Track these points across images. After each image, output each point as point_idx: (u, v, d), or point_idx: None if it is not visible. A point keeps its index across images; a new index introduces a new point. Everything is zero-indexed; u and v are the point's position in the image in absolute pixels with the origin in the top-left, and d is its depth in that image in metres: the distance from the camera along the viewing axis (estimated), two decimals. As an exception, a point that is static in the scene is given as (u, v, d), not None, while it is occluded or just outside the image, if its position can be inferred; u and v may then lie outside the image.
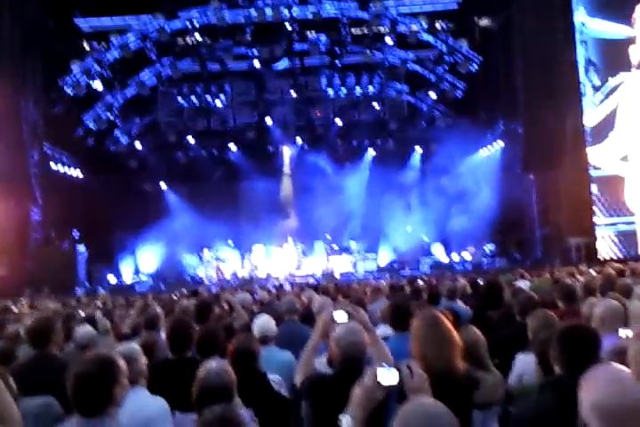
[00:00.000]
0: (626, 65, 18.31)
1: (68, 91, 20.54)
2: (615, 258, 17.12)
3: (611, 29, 18.43)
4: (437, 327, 3.25)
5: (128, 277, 22.24)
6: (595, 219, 18.20)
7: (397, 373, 2.22)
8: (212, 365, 3.23)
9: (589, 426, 1.76)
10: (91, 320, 5.85)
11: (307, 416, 3.65)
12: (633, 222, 18.07)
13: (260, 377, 3.81)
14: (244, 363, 3.76)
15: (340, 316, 3.44)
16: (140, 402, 3.14)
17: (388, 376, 2.23)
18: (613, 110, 18.23)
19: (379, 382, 2.23)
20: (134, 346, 3.53)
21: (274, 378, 3.86)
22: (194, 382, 3.10)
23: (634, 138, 17.90)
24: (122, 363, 2.66)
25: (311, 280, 18.09)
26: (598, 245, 18.09)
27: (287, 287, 13.32)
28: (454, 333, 3.29)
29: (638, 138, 17.88)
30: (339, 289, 9.24)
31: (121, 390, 2.59)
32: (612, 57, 18.44)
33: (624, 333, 3.12)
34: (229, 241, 22.05)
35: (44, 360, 4.25)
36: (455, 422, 1.80)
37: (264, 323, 4.76)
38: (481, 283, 7.95)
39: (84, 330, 5.25)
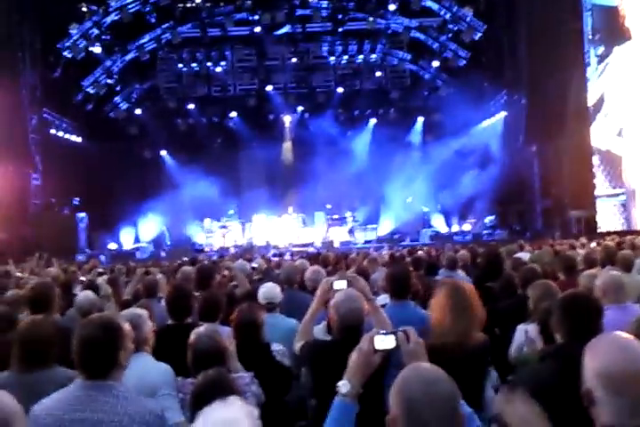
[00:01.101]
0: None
1: (67, 55, 20.28)
2: (615, 231, 17.13)
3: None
4: (459, 297, 3.30)
5: (128, 245, 22.30)
6: (596, 191, 18.17)
7: (394, 338, 2.23)
8: (201, 330, 3.25)
9: (593, 393, 1.75)
10: (92, 286, 5.87)
11: (306, 382, 3.68)
12: (630, 196, 18.04)
13: (262, 347, 3.83)
14: (248, 333, 3.78)
15: (340, 284, 3.45)
16: (145, 368, 3.16)
17: (383, 341, 2.24)
18: (608, 85, 18.03)
19: (375, 347, 2.24)
20: (140, 311, 3.54)
21: (277, 348, 3.88)
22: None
23: (627, 113, 17.72)
24: (127, 327, 2.67)
25: (311, 249, 18.14)
26: (598, 217, 18.10)
27: (287, 256, 13.37)
28: (476, 303, 3.33)
29: (632, 113, 17.70)
30: (338, 258, 9.26)
31: (125, 354, 2.60)
32: (619, 25, 18.12)
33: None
34: (230, 211, 22.05)
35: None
36: (453, 388, 1.80)
37: (270, 290, 4.76)
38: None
39: (85, 295, 5.26)
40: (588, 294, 3.22)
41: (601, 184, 18.19)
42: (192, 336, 3.22)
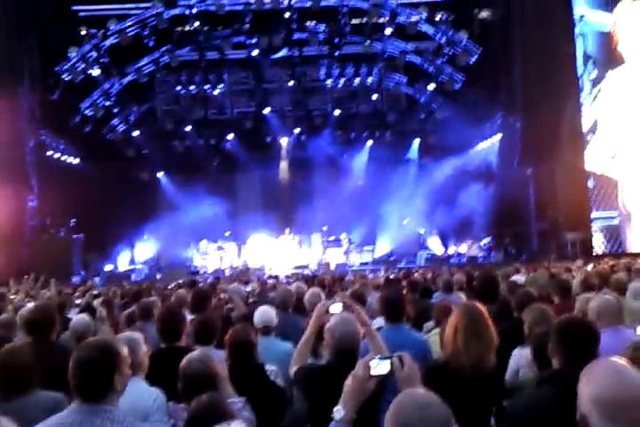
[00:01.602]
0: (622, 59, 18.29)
1: (66, 77, 20.43)
2: (610, 253, 17.18)
3: (609, 22, 18.37)
4: (476, 319, 3.31)
5: (124, 266, 22.21)
6: (591, 214, 18.27)
7: (389, 363, 2.23)
8: (193, 355, 3.24)
9: (588, 419, 1.75)
10: (89, 309, 5.84)
11: (301, 408, 3.66)
12: (625, 219, 18.11)
13: (256, 368, 3.81)
14: (242, 353, 3.77)
15: (335, 307, 3.45)
16: (138, 393, 3.13)
17: (378, 367, 2.24)
18: (603, 109, 18.22)
19: (370, 373, 2.24)
20: (135, 335, 3.52)
21: (270, 369, 3.86)
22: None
23: (622, 136, 17.88)
24: (125, 351, 2.66)
25: (306, 272, 18.10)
26: (594, 240, 18.16)
27: (282, 279, 13.33)
28: (491, 325, 3.33)
29: (626, 136, 17.86)
30: (334, 281, 9.25)
31: (122, 379, 2.59)
32: (611, 50, 18.38)
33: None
34: (227, 232, 22.03)
35: (40, 348, 4.25)
36: (446, 412, 1.80)
37: (265, 313, 4.74)
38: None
39: (80, 318, 5.23)
40: (585, 318, 3.23)
41: (596, 207, 18.28)
42: (183, 361, 3.20)
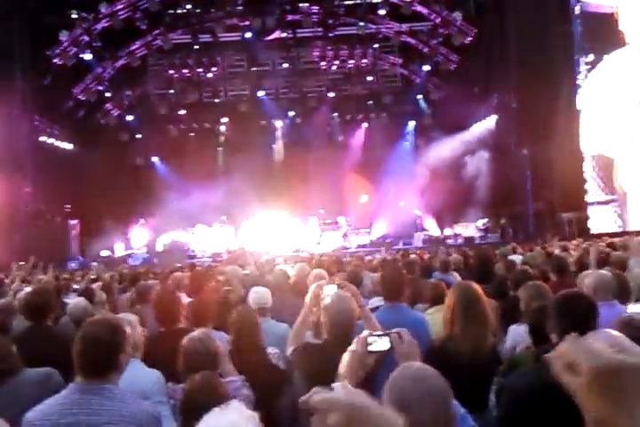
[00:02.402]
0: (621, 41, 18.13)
1: (57, 62, 20.24)
2: (607, 233, 17.20)
3: (606, 4, 18.20)
4: (473, 303, 3.30)
5: (120, 251, 22.21)
6: (587, 196, 18.29)
7: (388, 339, 2.24)
8: (194, 334, 3.25)
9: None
10: (87, 293, 5.84)
11: (299, 386, 3.68)
12: (622, 198, 18.13)
13: (260, 350, 3.82)
14: (247, 335, 3.77)
15: (331, 288, 3.46)
16: (136, 375, 3.14)
17: (377, 343, 2.24)
18: (600, 90, 18.12)
19: (368, 349, 2.24)
20: (131, 317, 3.53)
21: (273, 351, 3.87)
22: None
23: (619, 117, 17.82)
24: (128, 330, 2.66)
25: (303, 254, 18.10)
26: (590, 220, 18.20)
27: (279, 261, 13.31)
28: (487, 309, 3.33)
29: (623, 117, 17.80)
30: (332, 263, 9.25)
31: (125, 358, 2.59)
32: (610, 32, 18.21)
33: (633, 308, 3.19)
34: (223, 216, 22.02)
35: (40, 332, 4.26)
36: (443, 384, 1.81)
37: (261, 294, 4.74)
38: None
39: (77, 302, 5.22)
40: (584, 294, 3.23)
41: (594, 189, 18.29)
42: (184, 340, 3.21)
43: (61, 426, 2.43)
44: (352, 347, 2.27)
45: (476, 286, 3.46)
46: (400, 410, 1.75)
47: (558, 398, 2.26)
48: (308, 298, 3.62)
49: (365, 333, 2.34)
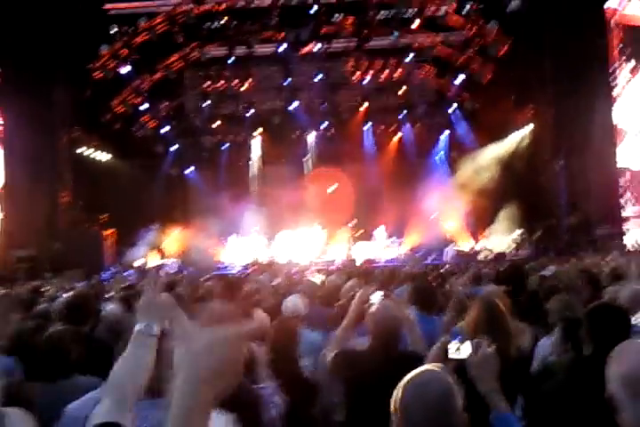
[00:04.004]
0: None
1: (97, 75, 20.74)
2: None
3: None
4: (493, 316, 3.28)
5: (154, 262, 22.45)
6: (624, 211, 17.98)
7: (467, 347, 2.23)
8: None
9: (616, 397, 1.75)
10: (124, 301, 5.93)
11: (338, 393, 3.68)
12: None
13: (294, 361, 3.84)
14: (283, 345, 3.80)
15: (376, 296, 3.52)
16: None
17: (457, 350, 2.23)
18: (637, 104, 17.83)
19: (448, 355, 2.24)
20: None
21: (305, 363, 3.90)
22: None
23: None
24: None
25: (334, 266, 18.09)
26: (627, 235, 17.86)
27: (310, 272, 13.34)
28: (508, 322, 3.30)
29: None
30: (361, 275, 9.25)
31: None
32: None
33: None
34: (255, 228, 22.13)
35: (77, 337, 4.34)
36: (446, 387, 1.82)
37: (295, 303, 4.80)
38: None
39: (112, 309, 5.32)
40: (616, 304, 3.22)
41: (632, 204, 17.97)
42: None
43: None
44: (432, 352, 2.27)
45: (498, 300, 3.44)
46: (405, 416, 1.79)
47: (592, 407, 2.26)
48: (353, 304, 3.66)
49: (445, 339, 2.35)
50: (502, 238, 20.75)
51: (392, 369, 2.26)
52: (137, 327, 2.01)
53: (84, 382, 3.26)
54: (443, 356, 2.24)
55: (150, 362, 1.95)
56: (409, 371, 2.00)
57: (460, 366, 2.25)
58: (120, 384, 1.86)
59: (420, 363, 2.27)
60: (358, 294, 3.69)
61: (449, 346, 2.25)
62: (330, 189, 22.16)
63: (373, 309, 3.37)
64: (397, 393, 1.85)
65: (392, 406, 1.85)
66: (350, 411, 3.29)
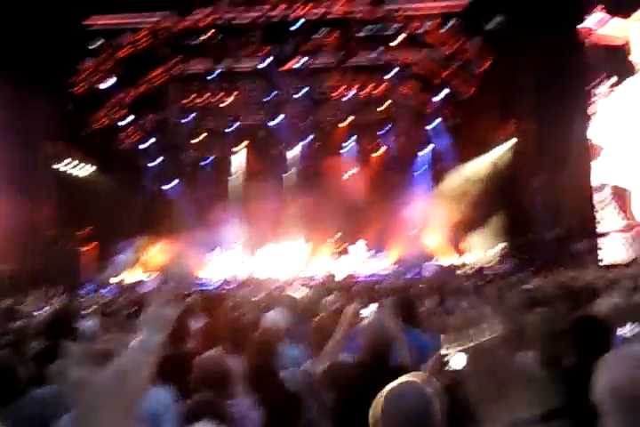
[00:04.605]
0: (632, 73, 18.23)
1: (79, 88, 20.67)
2: (620, 263, 17.07)
3: (618, 35, 18.34)
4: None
5: (133, 277, 22.25)
6: (600, 226, 18.22)
7: (463, 358, 2.22)
8: (209, 352, 3.29)
9: (601, 407, 1.73)
10: (102, 317, 5.88)
11: (326, 406, 3.65)
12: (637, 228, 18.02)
13: (274, 374, 3.83)
14: (263, 358, 3.79)
15: (368, 310, 3.54)
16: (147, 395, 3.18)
17: (453, 360, 2.23)
18: (613, 121, 18.16)
19: (447, 366, 2.23)
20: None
21: (286, 375, 3.89)
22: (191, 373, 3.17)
23: (635, 148, 17.82)
24: None
25: (315, 281, 18.04)
26: (603, 250, 18.08)
27: (293, 287, 13.29)
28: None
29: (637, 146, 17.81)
30: (342, 290, 9.24)
31: None
32: (621, 64, 18.31)
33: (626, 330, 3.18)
34: (237, 242, 22.05)
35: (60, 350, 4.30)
36: (420, 401, 1.82)
37: (275, 317, 4.79)
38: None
39: (89, 325, 5.27)
40: (598, 316, 3.25)
41: (608, 219, 18.21)
42: (198, 359, 3.25)
43: None
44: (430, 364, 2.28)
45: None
46: (383, 425, 1.78)
47: (577, 416, 2.25)
48: (344, 317, 3.66)
49: (442, 350, 2.35)
50: (483, 253, 20.87)
51: (383, 383, 2.27)
52: (138, 338, 1.96)
53: (41, 393, 3.23)
54: (440, 367, 2.23)
55: (147, 375, 1.91)
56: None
57: (456, 378, 2.26)
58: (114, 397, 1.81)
59: None
60: (350, 308, 3.70)
61: (447, 356, 2.25)
62: (312, 204, 22.12)
63: (365, 322, 3.38)
64: (376, 405, 1.84)
65: (371, 418, 1.84)
66: (339, 424, 3.27)
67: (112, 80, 21.52)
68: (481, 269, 19.70)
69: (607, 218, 18.24)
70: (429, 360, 2.27)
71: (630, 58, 17.99)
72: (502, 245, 20.76)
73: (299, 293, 7.39)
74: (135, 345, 1.92)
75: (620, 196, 18.06)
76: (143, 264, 22.60)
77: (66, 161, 21.38)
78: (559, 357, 2.87)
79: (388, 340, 3.33)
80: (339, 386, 3.34)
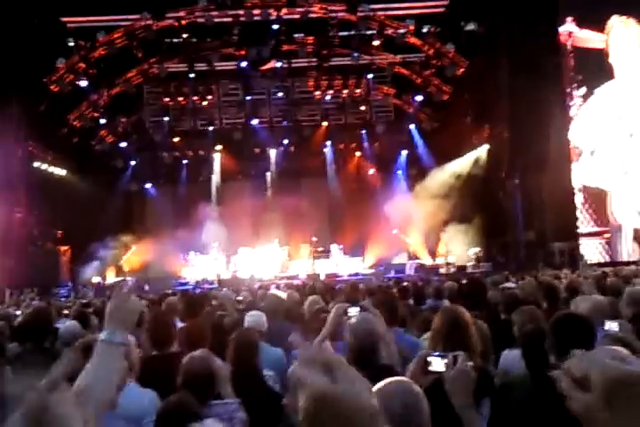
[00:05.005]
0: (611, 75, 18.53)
1: (54, 88, 20.41)
2: (598, 263, 17.33)
3: (596, 39, 18.62)
4: (458, 327, 3.30)
5: (112, 278, 22.06)
6: (580, 228, 18.46)
7: (445, 361, 2.22)
8: (196, 353, 3.27)
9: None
10: (81, 317, 5.80)
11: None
12: (615, 231, 18.30)
13: (256, 372, 3.82)
14: (245, 358, 3.78)
15: (354, 310, 3.54)
16: (131, 395, 3.14)
17: (435, 363, 2.22)
18: (592, 123, 18.43)
19: (428, 368, 2.23)
20: (129, 338, 3.52)
21: (268, 374, 3.88)
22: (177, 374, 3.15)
23: (613, 150, 18.11)
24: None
25: (296, 282, 18.04)
26: (582, 250, 18.32)
27: (272, 288, 13.27)
28: (473, 333, 3.33)
29: (618, 150, 18.09)
30: (325, 290, 9.24)
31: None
32: (599, 67, 18.58)
33: (609, 325, 3.21)
34: (215, 244, 21.95)
35: (38, 353, 4.24)
36: (413, 402, 1.81)
37: (256, 319, 4.77)
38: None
39: (67, 327, 5.20)
40: (580, 314, 3.28)
41: (587, 221, 18.45)
42: (184, 360, 3.22)
43: None
44: (411, 365, 2.27)
45: (463, 310, 3.47)
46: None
47: (559, 415, 2.27)
48: (330, 318, 3.66)
49: (425, 352, 2.34)
50: (460, 254, 21.04)
51: (371, 382, 2.25)
52: (101, 336, 1.93)
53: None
54: (422, 369, 2.23)
55: (119, 372, 1.88)
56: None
57: (437, 380, 2.26)
58: (86, 398, 1.77)
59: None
60: (335, 308, 3.70)
61: (428, 359, 2.25)
62: (290, 206, 22.10)
63: (352, 322, 3.38)
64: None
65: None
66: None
67: (86, 81, 21.23)
68: (462, 267, 19.93)
69: (585, 219, 18.49)
70: (411, 363, 2.26)
71: (609, 61, 18.28)
72: (479, 248, 20.94)
73: (282, 292, 7.37)
74: (99, 346, 1.89)
75: (598, 197, 18.32)
76: (121, 265, 22.44)
77: (41, 161, 21.08)
78: (541, 355, 2.88)
79: (375, 339, 3.33)
80: None
